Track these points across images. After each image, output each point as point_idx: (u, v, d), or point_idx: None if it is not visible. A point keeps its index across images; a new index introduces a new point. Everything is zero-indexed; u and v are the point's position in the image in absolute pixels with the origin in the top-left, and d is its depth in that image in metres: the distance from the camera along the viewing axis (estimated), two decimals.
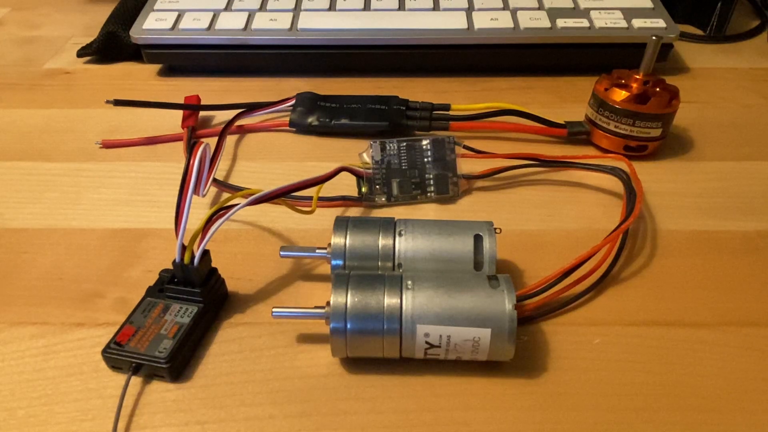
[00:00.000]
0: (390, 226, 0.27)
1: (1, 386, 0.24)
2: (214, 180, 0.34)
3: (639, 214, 0.30)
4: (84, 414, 0.23)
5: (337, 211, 0.32)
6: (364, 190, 0.32)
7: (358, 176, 0.32)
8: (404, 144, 0.33)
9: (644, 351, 0.25)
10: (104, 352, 0.24)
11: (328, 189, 0.31)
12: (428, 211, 0.32)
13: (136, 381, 0.24)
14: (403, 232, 0.26)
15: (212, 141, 0.33)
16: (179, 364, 0.24)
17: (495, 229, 0.26)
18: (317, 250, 0.27)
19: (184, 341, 0.24)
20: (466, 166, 0.34)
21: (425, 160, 0.33)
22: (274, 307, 0.25)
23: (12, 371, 0.24)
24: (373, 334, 0.23)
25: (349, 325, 0.23)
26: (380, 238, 0.26)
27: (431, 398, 0.23)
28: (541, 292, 0.26)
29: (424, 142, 0.33)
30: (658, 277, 0.28)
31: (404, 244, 0.26)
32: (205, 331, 0.26)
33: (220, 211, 0.25)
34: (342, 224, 0.27)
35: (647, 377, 0.24)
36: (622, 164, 0.33)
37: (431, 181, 0.33)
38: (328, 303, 0.23)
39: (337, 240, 0.26)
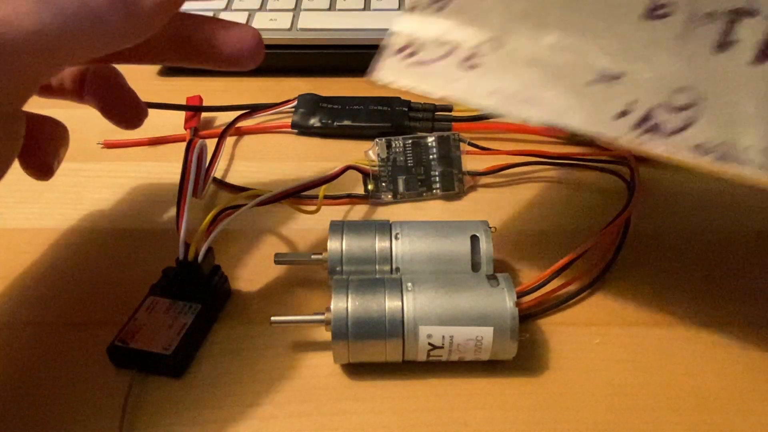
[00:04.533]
0: (386, 229, 0.27)
1: (2, 389, 0.24)
2: (219, 181, 0.34)
3: (633, 207, 0.30)
4: (89, 413, 0.23)
5: (342, 210, 0.32)
6: (370, 187, 0.32)
7: (365, 174, 0.32)
8: (409, 141, 0.33)
9: (644, 351, 0.25)
10: (109, 349, 0.24)
11: (333, 187, 0.31)
12: (434, 207, 0.32)
13: (136, 380, 0.24)
14: (399, 235, 0.26)
15: (215, 142, 0.33)
16: (184, 360, 0.24)
17: (490, 228, 0.26)
18: (313, 256, 0.27)
19: (188, 338, 0.24)
20: (471, 163, 0.34)
21: (430, 157, 0.33)
22: (272, 316, 0.25)
23: (14, 372, 0.24)
24: (375, 338, 0.23)
25: (351, 332, 0.23)
26: (377, 241, 0.26)
27: (431, 398, 0.23)
28: (540, 287, 0.26)
29: (430, 139, 0.33)
30: (658, 277, 0.28)
31: (401, 247, 0.26)
32: (209, 328, 0.26)
33: (226, 210, 0.25)
34: (337, 229, 0.27)
35: (647, 377, 0.24)
36: (625, 166, 0.33)
37: (437, 178, 0.33)
38: (328, 309, 0.23)
39: (333, 245, 0.26)
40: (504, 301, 0.23)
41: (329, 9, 0.45)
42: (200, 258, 0.25)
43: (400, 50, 0.23)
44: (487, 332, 0.23)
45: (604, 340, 0.26)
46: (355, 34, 0.42)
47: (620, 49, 0.20)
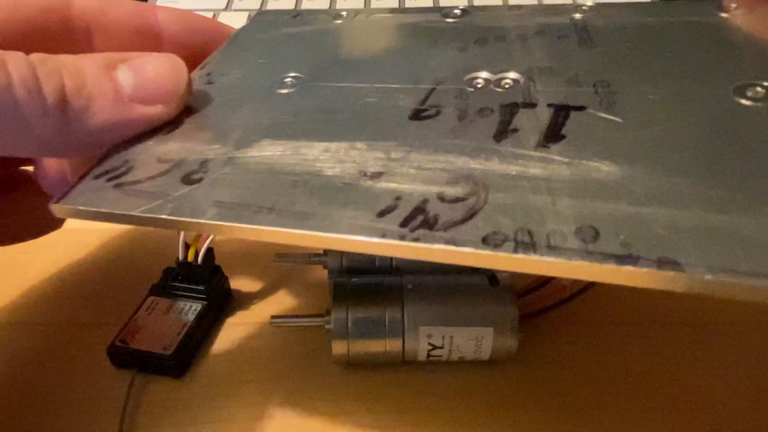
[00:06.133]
0: None
1: (1, 388, 0.24)
2: None
3: None
4: (89, 413, 0.23)
5: None
6: None
7: None
8: None
9: (645, 350, 0.25)
10: (109, 349, 0.24)
11: None
12: None
13: (137, 380, 0.24)
14: None
15: None
16: (184, 360, 0.24)
17: None
18: (313, 257, 0.27)
19: (188, 338, 0.24)
20: None
21: None
22: (272, 316, 0.24)
23: (14, 372, 0.24)
24: (375, 338, 0.23)
25: (351, 332, 0.23)
26: None
27: (431, 398, 0.23)
28: (540, 286, 0.26)
29: None
30: None
31: None
32: (210, 328, 0.26)
33: None
34: None
35: (648, 377, 0.24)
36: None
37: None
38: (328, 309, 0.23)
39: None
40: (504, 301, 0.23)
41: (329, 9, 0.45)
42: (200, 258, 0.25)
43: (103, 173, 0.18)
44: (487, 332, 0.23)
45: (606, 339, 0.26)
46: None
47: (384, 148, 0.18)
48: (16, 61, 0.17)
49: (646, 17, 0.22)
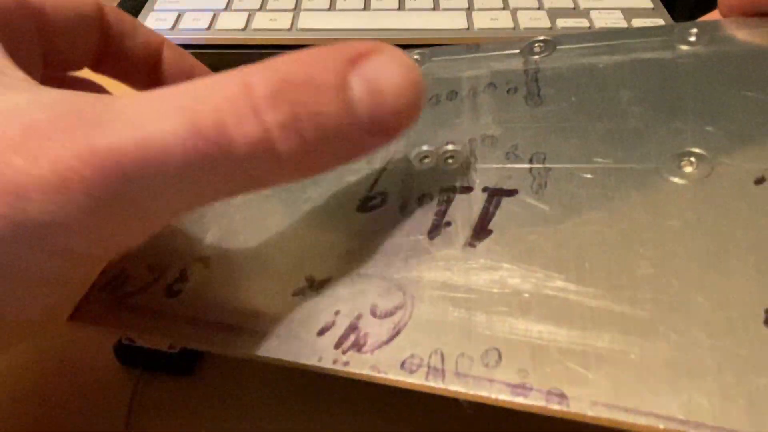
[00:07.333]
0: None
1: (7, 386, 0.24)
2: None
3: None
4: (95, 410, 0.23)
5: None
6: None
7: None
8: None
9: None
10: (116, 347, 0.24)
11: None
12: None
13: (143, 378, 0.24)
14: None
15: None
16: (191, 358, 0.24)
17: None
18: None
19: None
20: None
21: None
22: None
23: (20, 369, 0.24)
24: None
25: None
26: None
27: (432, 398, 0.23)
28: None
29: None
30: None
31: None
32: None
33: None
34: None
35: None
36: None
37: None
38: None
39: None
40: None
41: (329, 9, 0.45)
42: None
43: (106, 285, 0.20)
44: None
45: None
46: (355, 34, 0.42)
47: (332, 247, 0.19)
48: (237, 122, 0.14)
49: (600, 56, 0.22)
